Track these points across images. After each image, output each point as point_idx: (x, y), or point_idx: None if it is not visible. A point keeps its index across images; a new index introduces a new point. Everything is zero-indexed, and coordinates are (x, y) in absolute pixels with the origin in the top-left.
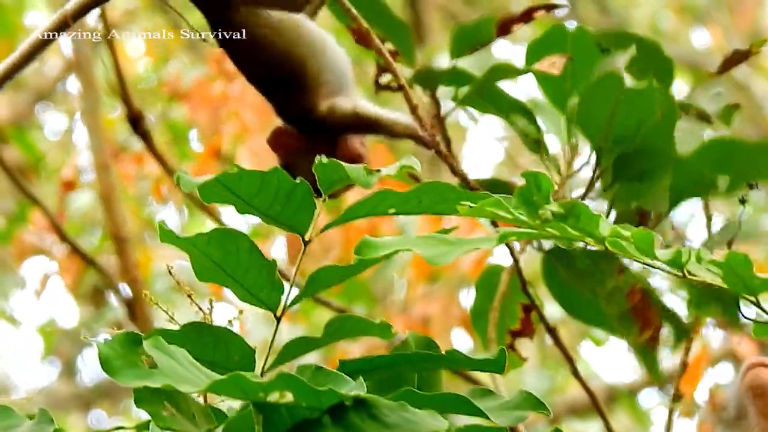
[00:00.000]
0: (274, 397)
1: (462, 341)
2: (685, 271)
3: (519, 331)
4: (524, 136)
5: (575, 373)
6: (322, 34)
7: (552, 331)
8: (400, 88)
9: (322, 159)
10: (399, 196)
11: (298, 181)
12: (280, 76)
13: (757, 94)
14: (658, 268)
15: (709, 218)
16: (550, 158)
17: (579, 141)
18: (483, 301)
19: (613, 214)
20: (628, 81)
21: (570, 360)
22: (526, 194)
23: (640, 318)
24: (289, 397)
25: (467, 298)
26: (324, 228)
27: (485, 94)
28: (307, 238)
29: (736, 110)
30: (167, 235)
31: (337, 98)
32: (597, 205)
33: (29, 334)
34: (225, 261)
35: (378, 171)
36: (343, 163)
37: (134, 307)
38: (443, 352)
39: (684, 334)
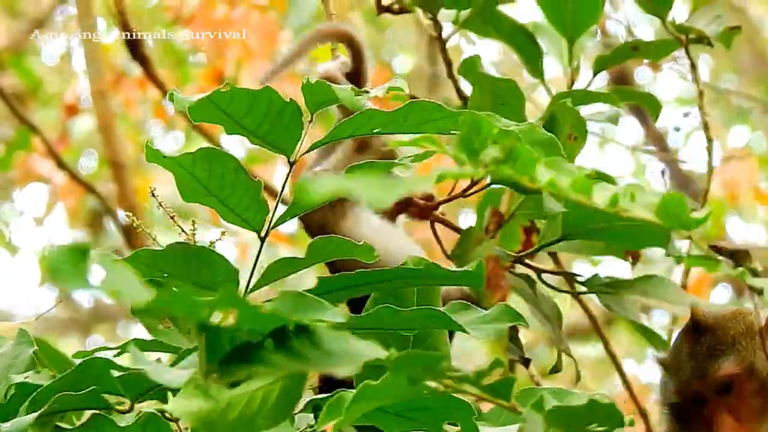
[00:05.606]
0: (217, 318)
1: None
2: (620, 209)
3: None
4: (525, 60)
5: (575, 296)
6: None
7: (552, 254)
8: (402, 10)
9: (308, 78)
10: (384, 116)
11: (288, 100)
12: None
13: (754, 17)
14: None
15: None
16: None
17: (580, 63)
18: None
19: None
20: None
21: (570, 282)
22: (465, 140)
23: None
24: (230, 320)
25: (467, 221)
26: (309, 149)
27: (486, 17)
28: (292, 159)
29: (736, 33)
30: (153, 155)
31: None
32: None
33: (28, 261)
34: (210, 181)
35: (366, 92)
36: (331, 84)
37: (131, 233)
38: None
39: None
